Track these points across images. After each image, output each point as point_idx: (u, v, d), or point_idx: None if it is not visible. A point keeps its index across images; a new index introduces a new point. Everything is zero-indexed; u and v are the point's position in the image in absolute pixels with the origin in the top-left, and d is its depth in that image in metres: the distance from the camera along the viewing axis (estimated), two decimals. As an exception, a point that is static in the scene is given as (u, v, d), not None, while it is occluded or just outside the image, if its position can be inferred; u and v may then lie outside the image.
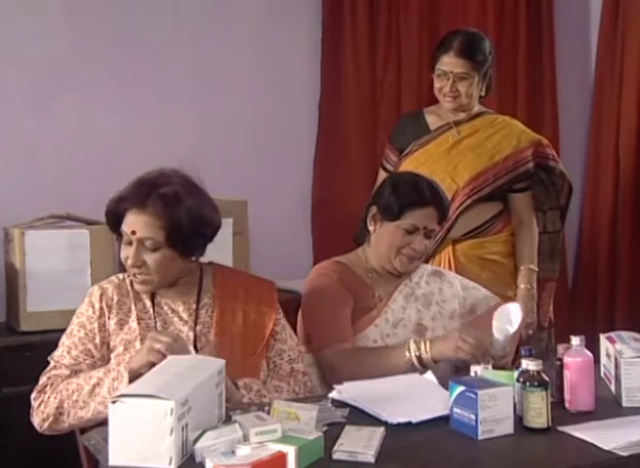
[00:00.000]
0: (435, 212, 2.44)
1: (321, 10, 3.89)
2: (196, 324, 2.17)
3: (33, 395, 2.08)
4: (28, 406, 2.08)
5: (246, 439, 1.62)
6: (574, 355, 1.94)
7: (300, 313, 2.53)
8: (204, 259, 2.26)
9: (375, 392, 2.01)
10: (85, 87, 3.45)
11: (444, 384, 1.98)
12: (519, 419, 1.83)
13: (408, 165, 3.02)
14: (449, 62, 2.97)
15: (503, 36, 4.05)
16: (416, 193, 2.43)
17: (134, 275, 2.13)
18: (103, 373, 2.01)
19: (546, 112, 4.13)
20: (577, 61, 4.25)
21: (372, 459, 1.63)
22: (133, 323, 2.14)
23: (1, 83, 3.30)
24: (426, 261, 2.74)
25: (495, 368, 1.99)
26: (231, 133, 3.72)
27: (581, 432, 1.77)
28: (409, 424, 1.81)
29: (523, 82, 4.08)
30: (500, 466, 1.71)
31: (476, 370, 2.02)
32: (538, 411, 1.80)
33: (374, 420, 1.84)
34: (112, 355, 2.11)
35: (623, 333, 2.16)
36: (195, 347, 2.12)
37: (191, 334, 2.15)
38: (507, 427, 1.78)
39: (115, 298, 2.16)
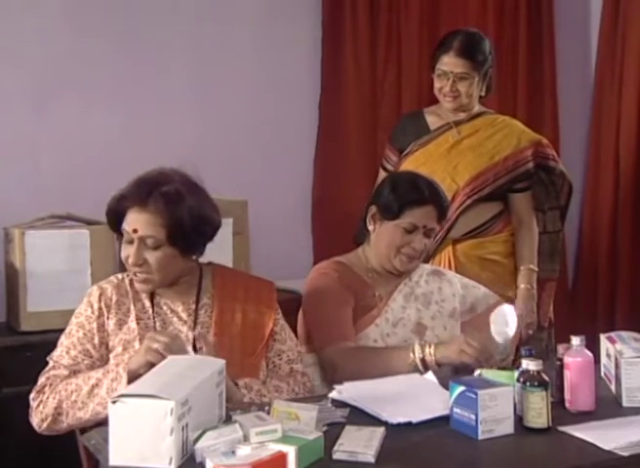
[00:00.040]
0: (434, 210, 2.44)
1: (321, 10, 3.89)
2: (195, 324, 2.17)
3: (32, 395, 2.08)
4: (28, 406, 2.08)
5: (246, 439, 1.62)
6: (574, 355, 1.94)
7: (300, 313, 2.54)
8: (203, 260, 2.26)
9: (375, 392, 2.00)
10: (85, 87, 3.45)
11: (444, 384, 1.98)
12: (519, 419, 1.82)
13: (408, 165, 3.02)
14: (449, 62, 2.97)
15: (504, 36, 4.06)
16: (415, 192, 2.44)
17: (134, 274, 2.13)
18: (102, 374, 2.00)
19: (546, 112, 4.13)
20: (577, 61, 4.25)
21: (372, 459, 1.63)
22: (132, 323, 2.14)
23: (1, 83, 3.31)
24: (426, 261, 2.74)
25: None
26: (231, 133, 3.72)
27: (582, 432, 1.77)
28: (409, 424, 1.81)
29: (523, 82, 4.08)
30: (501, 466, 1.71)
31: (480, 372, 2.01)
32: (538, 411, 1.80)
33: (374, 420, 1.84)
34: (111, 355, 2.11)
35: (624, 333, 2.16)
36: (194, 347, 2.12)
37: (190, 334, 2.15)
38: (507, 427, 1.78)
39: (114, 298, 2.16)
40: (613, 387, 2.07)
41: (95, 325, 2.12)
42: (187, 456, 1.62)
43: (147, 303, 2.17)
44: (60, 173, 3.38)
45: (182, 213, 2.07)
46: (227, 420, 1.75)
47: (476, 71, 2.99)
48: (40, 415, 2.04)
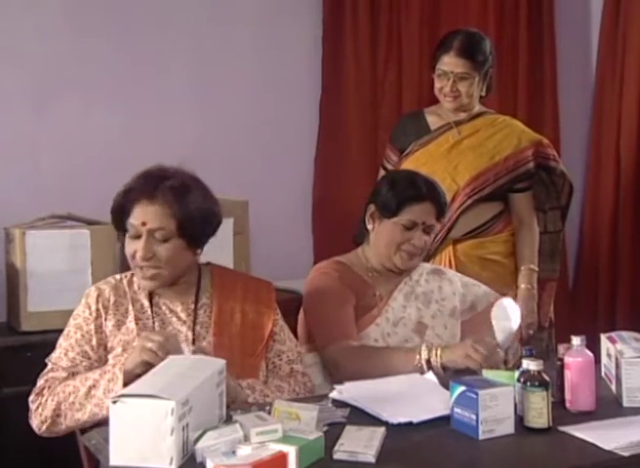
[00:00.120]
0: (433, 207, 2.45)
1: (322, 9, 3.90)
2: (195, 324, 2.16)
3: (31, 398, 2.07)
4: (28, 406, 2.08)
5: (247, 439, 1.62)
6: (574, 355, 1.94)
7: (300, 313, 2.54)
8: (204, 260, 2.26)
9: (375, 392, 2.00)
10: (85, 87, 3.45)
11: (445, 384, 1.98)
12: (520, 419, 1.82)
13: (408, 165, 3.02)
14: (449, 62, 2.97)
15: (504, 36, 4.05)
16: (413, 189, 2.45)
17: (141, 269, 2.11)
18: (99, 375, 2.00)
19: (547, 112, 4.13)
20: (577, 61, 4.25)
21: (372, 459, 1.62)
22: (130, 323, 2.13)
23: (1, 83, 3.31)
24: (427, 261, 2.74)
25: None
26: (232, 133, 3.72)
27: (582, 432, 1.77)
28: (409, 424, 1.81)
29: (524, 82, 4.08)
30: (501, 466, 1.71)
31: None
32: (538, 411, 1.80)
33: (374, 420, 1.84)
34: (110, 356, 2.10)
35: (624, 333, 2.16)
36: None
37: (190, 334, 2.14)
38: (508, 427, 1.78)
39: (112, 299, 2.15)
40: (613, 387, 2.07)
41: (92, 326, 2.12)
42: (188, 456, 1.62)
43: (146, 303, 2.17)
44: (61, 173, 3.38)
45: (191, 204, 2.09)
46: (228, 420, 1.75)
47: (476, 71, 2.99)
48: (39, 418, 2.04)
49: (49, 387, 2.06)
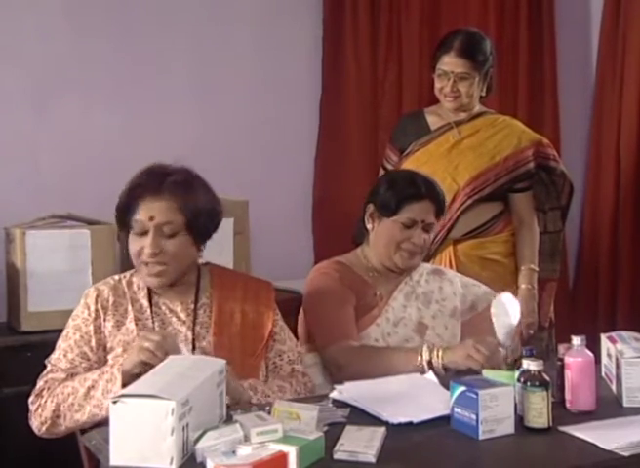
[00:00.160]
0: (432, 205, 2.46)
1: (322, 9, 3.90)
2: (194, 324, 2.16)
3: (31, 399, 2.07)
4: (28, 406, 2.08)
5: (247, 439, 1.62)
6: (575, 355, 1.94)
7: (300, 313, 2.54)
8: (204, 259, 2.26)
9: (375, 392, 2.00)
10: (85, 87, 3.45)
11: (445, 384, 1.98)
12: (520, 419, 1.82)
13: (409, 165, 3.02)
14: (449, 62, 2.97)
15: (504, 36, 4.05)
16: (411, 187, 2.45)
17: (147, 265, 2.10)
18: (98, 376, 2.00)
19: (547, 112, 4.13)
20: (578, 61, 4.25)
21: (373, 459, 1.62)
22: (130, 324, 2.13)
23: (1, 83, 3.31)
24: (427, 261, 2.74)
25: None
26: (232, 133, 3.72)
27: (582, 432, 1.77)
28: (410, 424, 1.81)
29: (524, 82, 4.08)
30: (501, 466, 1.71)
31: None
32: (538, 411, 1.80)
33: (374, 420, 1.84)
34: (110, 356, 2.10)
35: (624, 333, 2.16)
36: (194, 347, 2.12)
37: (190, 334, 2.14)
38: (508, 427, 1.78)
39: (111, 300, 2.15)
40: (613, 387, 2.07)
41: (91, 327, 2.12)
42: (188, 456, 1.62)
43: (145, 304, 2.17)
44: (61, 173, 3.38)
45: (197, 199, 2.11)
46: (228, 420, 1.75)
47: (477, 71, 2.99)
48: (39, 419, 2.04)
49: (48, 388, 2.05)
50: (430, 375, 2.15)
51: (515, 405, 1.81)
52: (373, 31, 3.91)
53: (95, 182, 3.33)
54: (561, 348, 2.02)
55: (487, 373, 1.96)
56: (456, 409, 1.81)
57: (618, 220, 3.92)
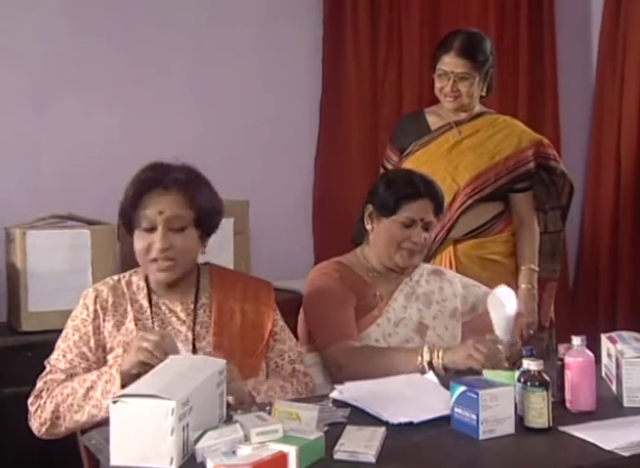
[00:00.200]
0: (431, 203, 2.46)
1: (322, 9, 3.90)
2: (194, 324, 2.16)
3: (30, 400, 2.07)
4: (28, 406, 2.08)
5: (247, 439, 1.62)
6: (575, 355, 1.94)
7: (301, 313, 2.53)
8: (202, 260, 2.26)
9: (376, 392, 2.00)
10: (85, 87, 3.45)
11: (445, 384, 1.98)
12: (520, 419, 1.82)
13: (409, 165, 3.02)
14: (450, 62, 2.97)
15: (504, 36, 4.05)
16: (410, 186, 2.45)
17: (155, 261, 2.09)
18: (97, 376, 2.00)
19: (547, 112, 4.13)
20: (578, 61, 4.25)
21: (373, 459, 1.62)
22: (130, 324, 2.13)
23: (1, 83, 3.31)
24: (427, 261, 2.74)
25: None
26: (232, 133, 3.72)
27: (583, 432, 1.77)
28: (410, 424, 1.81)
29: (524, 82, 4.08)
30: (501, 466, 1.71)
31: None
32: (539, 411, 1.80)
33: (375, 420, 1.84)
34: (110, 356, 2.10)
35: (625, 333, 2.15)
36: (194, 347, 2.12)
37: (190, 334, 2.14)
38: (508, 427, 1.78)
39: (110, 300, 2.15)
40: (614, 387, 2.07)
41: (90, 327, 2.11)
42: (188, 456, 1.62)
43: (145, 304, 2.16)
44: (61, 173, 3.38)
45: (204, 194, 2.12)
46: (228, 420, 1.75)
47: (477, 71, 2.99)
48: (39, 420, 2.04)
49: (47, 389, 2.05)
50: (431, 375, 2.15)
51: (515, 405, 1.81)
52: (373, 31, 3.91)
53: (95, 182, 3.33)
54: (561, 348, 2.02)
55: (487, 373, 1.96)
56: (456, 409, 1.81)
57: (618, 220, 3.92)
